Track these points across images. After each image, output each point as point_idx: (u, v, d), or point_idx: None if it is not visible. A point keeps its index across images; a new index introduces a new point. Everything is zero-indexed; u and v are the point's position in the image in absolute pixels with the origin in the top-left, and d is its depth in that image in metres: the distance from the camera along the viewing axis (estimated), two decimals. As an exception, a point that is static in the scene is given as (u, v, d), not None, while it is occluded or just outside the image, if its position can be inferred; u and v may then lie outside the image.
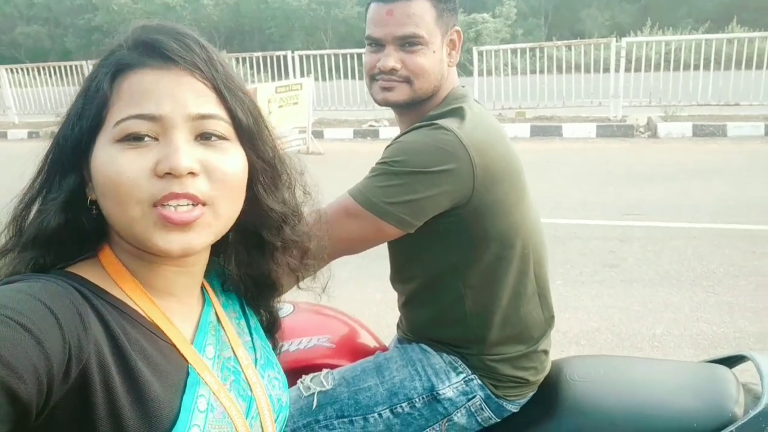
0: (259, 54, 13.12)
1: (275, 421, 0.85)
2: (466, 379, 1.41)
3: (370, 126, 11.40)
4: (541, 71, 11.42)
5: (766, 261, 4.33)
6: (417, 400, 1.40)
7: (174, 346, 0.74)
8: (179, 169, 0.68)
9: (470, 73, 11.60)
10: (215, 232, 0.75)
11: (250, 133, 0.77)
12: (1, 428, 0.55)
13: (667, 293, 3.91)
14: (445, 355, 1.43)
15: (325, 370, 1.49)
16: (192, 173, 0.70)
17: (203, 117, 0.72)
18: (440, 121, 1.32)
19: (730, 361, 1.50)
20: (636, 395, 1.38)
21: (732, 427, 1.25)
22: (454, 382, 1.41)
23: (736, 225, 5.11)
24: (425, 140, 1.30)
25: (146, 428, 0.66)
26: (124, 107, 0.71)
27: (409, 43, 1.37)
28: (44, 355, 0.58)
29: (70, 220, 0.73)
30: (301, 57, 12.73)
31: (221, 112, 0.74)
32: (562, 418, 1.37)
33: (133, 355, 0.68)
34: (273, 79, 12.45)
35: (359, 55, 12.11)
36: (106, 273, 0.74)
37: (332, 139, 11.08)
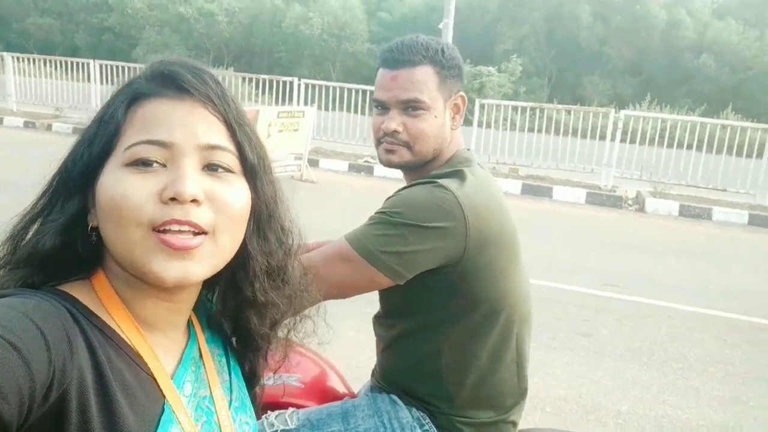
0: (266, 77, 13.25)
1: None
2: (432, 438, 1.40)
3: (366, 162, 11.47)
4: (539, 131, 11.57)
5: (737, 351, 4.36)
6: (379, 452, 1.39)
7: (154, 379, 0.74)
8: (184, 195, 0.69)
9: (470, 123, 11.76)
10: (214, 264, 0.75)
11: (254, 171, 0.79)
12: None
13: (637, 370, 3.92)
14: (414, 410, 1.43)
15: (290, 409, 1.49)
16: (196, 201, 0.71)
17: (212, 147, 0.74)
18: (442, 180, 1.36)
19: None
20: None
21: None
22: (418, 440, 1.40)
23: (711, 311, 5.14)
24: (425, 196, 1.34)
25: None
26: (135, 133, 0.72)
27: (411, 107, 1.42)
28: (30, 377, 0.58)
29: (67, 244, 0.73)
30: (306, 85, 12.86)
31: (230, 145, 0.76)
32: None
33: (114, 385, 0.67)
34: (276, 102, 12.56)
35: (364, 91, 12.27)
36: (98, 298, 0.74)
37: (327, 169, 11.13)
